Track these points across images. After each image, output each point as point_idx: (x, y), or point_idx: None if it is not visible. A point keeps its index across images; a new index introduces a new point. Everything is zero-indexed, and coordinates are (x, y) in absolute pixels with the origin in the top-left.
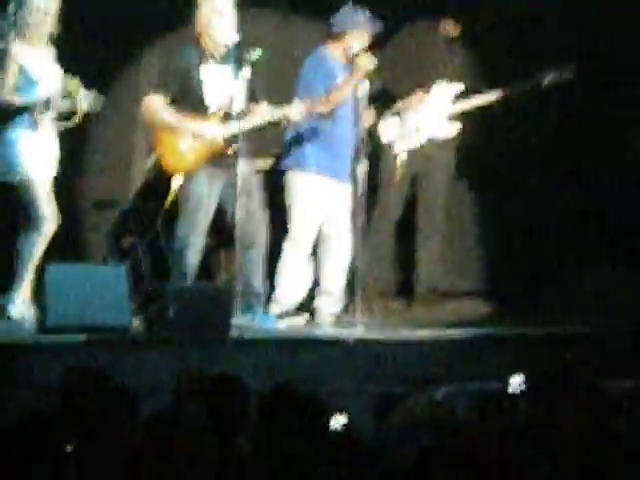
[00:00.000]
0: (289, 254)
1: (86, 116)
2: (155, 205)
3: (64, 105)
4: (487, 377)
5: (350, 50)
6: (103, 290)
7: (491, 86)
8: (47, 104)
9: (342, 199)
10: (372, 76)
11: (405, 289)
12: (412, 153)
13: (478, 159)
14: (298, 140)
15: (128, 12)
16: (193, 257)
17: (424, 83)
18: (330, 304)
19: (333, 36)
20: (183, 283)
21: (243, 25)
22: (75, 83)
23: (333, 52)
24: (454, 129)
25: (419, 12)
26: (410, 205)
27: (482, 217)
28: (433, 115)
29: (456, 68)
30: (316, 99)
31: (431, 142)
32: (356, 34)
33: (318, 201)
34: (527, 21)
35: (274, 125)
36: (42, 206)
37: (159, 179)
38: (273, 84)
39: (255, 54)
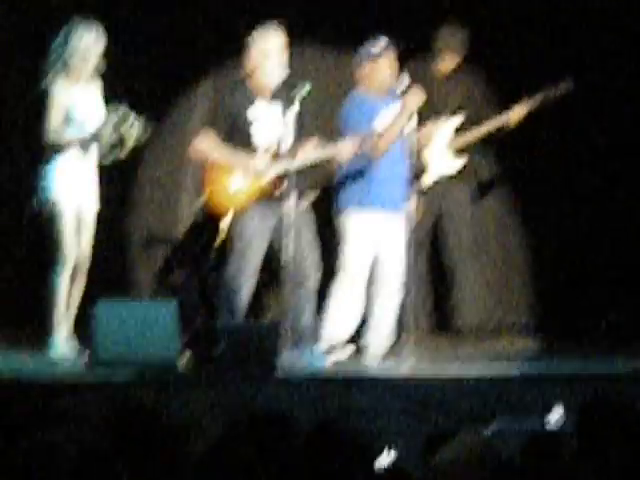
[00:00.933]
0: (340, 291)
1: (136, 153)
2: (205, 242)
3: (112, 137)
4: (536, 414)
5: (379, 82)
6: (152, 326)
7: (492, 114)
8: (95, 137)
9: (394, 234)
10: None
11: (452, 325)
12: (430, 193)
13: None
14: (348, 178)
15: (178, 51)
16: (243, 295)
17: (427, 120)
18: (379, 341)
19: (360, 72)
20: (232, 321)
21: (291, 61)
22: (124, 112)
23: (366, 90)
24: (458, 163)
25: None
26: (442, 242)
27: (527, 250)
28: (440, 151)
29: (455, 102)
30: (365, 137)
31: (445, 178)
32: (377, 65)
33: (370, 239)
34: (518, 42)
35: (323, 163)
36: (68, 240)
37: (209, 217)
38: (322, 120)
39: (303, 89)
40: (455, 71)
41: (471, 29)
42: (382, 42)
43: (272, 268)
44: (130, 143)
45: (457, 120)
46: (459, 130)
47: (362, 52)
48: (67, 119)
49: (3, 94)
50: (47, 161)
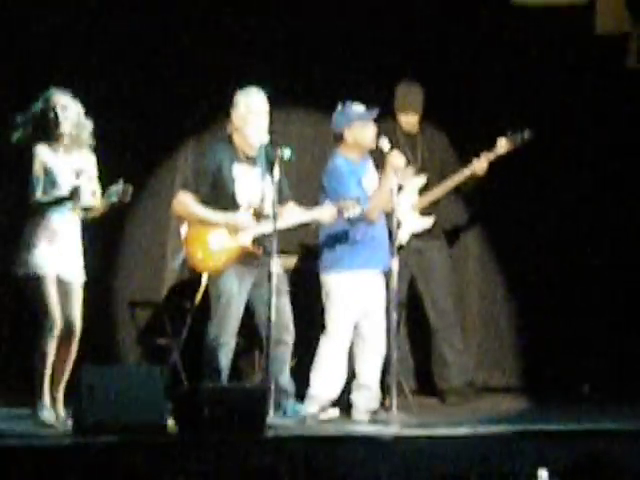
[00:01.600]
0: (325, 351)
1: (120, 214)
2: (187, 304)
3: (89, 200)
4: (525, 473)
5: (365, 145)
6: (138, 390)
7: (456, 170)
8: (73, 195)
9: (377, 294)
10: None
11: (436, 386)
12: (402, 252)
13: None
14: (330, 240)
15: (161, 113)
16: (225, 356)
17: None
18: (367, 399)
19: (338, 138)
20: (217, 383)
21: (273, 124)
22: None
23: (347, 153)
24: (428, 222)
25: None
26: (418, 304)
27: (513, 310)
28: (407, 210)
29: (417, 161)
30: (345, 200)
31: (416, 237)
32: (357, 128)
33: (354, 300)
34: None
35: (304, 226)
36: (53, 307)
37: (190, 278)
38: (301, 183)
39: (286, 153)
40: (416, 131)
41: (426, 86)
42: (361, 107)
43: (250, 328)
44: (105, 205)
45: (421, 180)
46: (424, 189)
47: (347, 115)
48: (48, 180)
49: None
50: (29, 226)
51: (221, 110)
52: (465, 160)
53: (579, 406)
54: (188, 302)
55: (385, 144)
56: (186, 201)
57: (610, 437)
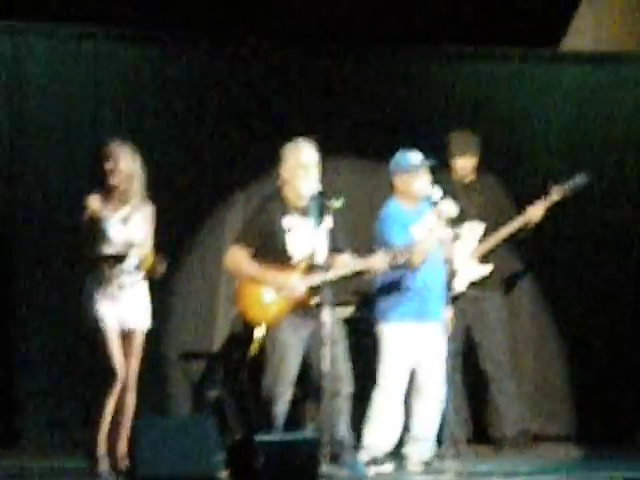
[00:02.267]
0: (379, 402)
1: (171, 266)
2: (240, 355)
3: (133, 263)
4: None
5: (416, 194)
6: (192, 441)
7: (511, 217)
8: (119, 260)
9: (432, 345)
10: None
11: (491, 435)
12: (460, 302)
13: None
14: (384, 291)
15: (212, 165)
16: (280, 407)
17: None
18: (421, 451)
19: (395, 184)
20: (271, 433)
21: (323, 175)
22: (149, 254)
23: (401, 201)
24: (486, 269)
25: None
26: (473, 353)
27: (568, 358)
28: (465, 259)
29: (474, 209)
30: (398, 248)
31: (473, 286)
32: (408, 176)
33: (406, 351)
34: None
35: (357, 275)
36: (112, 358)
37: (244, 330)
38: (354, 233)
39: (337, 203)
40: (472, 179)
41: (482, 134)
42: (419, 155)
43: (308, 379)
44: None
45: (479, 227)
46: (482, 236)
47: (399, 164)
48: (101, 238)
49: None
50: (89, 276)
51: (269, 163)
52: (521, 208)
53: (633, 455)
54: (240, 354)
55: (436, 193)
56: (238, 257)
57: None
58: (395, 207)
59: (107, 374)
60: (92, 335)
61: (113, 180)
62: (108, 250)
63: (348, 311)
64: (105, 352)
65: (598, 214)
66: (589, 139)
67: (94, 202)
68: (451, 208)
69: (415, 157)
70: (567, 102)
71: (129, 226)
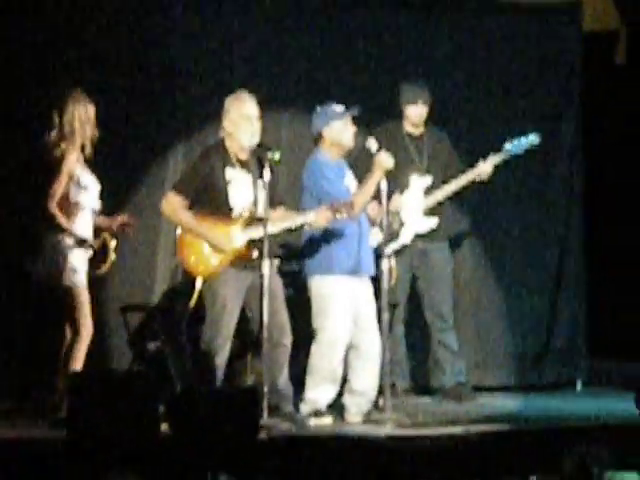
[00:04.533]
0: (317, 355)
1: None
2: (180, 307)
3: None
4: (520, 473)
5: (345, 143)
6: (131, 396)
7: (461, 172)
8: (82, 243)
9: (369, 298)
10: None
11: (432, 385)
12: (406, 252)
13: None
14: (318, 243)
15: (152, 115)
16: (220, 359)
17: (398, 181)
18: (360, 403)
19: (319, 139)
20: (212, 386)
21: (264, 128)
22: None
23: (328, 154)
24: (433, 222)
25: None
26: (417, 304)
27: (505, 309)
28: (412, 210)
29: (423, 162)
30: (338, 202)
31: (420, 237)
32: (336, 128)
33: (344, 303)
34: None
35: (296, 229)
36: (85, 312)
37: (183, 281)
38: (292, 186)
39: (275, 155)
40: (421, 132)
41: (432, 87)
42: (340, 106)
43: (246, 331)
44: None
45: (427, 180)
46: (429, 189)
47: (327, 114)
48: (74, 187)
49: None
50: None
51: (211, 113)
52: (469, 164)
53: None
54: (181, 306)
55: (373, 144)
56: (174, 204)
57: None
58: (325, 159)
59: (80, 327)
60: (65, 290)
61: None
62: (84, 199)
63: (275, 263)
64: (80, 306)
65: (536, 170)
66: (529, 93)
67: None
68: (388, 159)
69: (339, 107)
70: (506, 54)
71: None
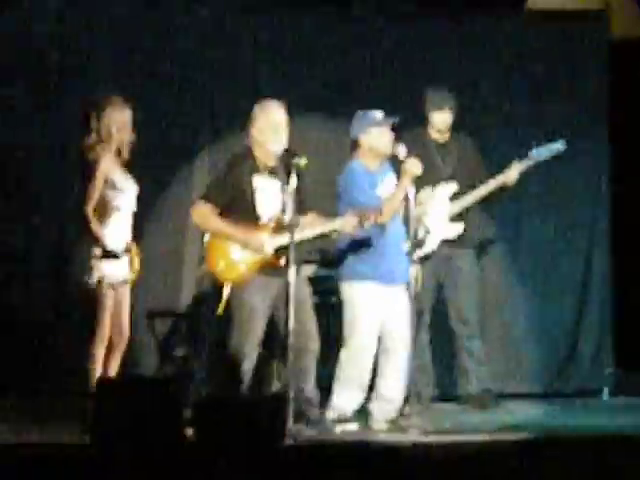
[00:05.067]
0: (346, 362)
1: (136, 223)
2: (207, 314)
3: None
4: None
5: (382, 150)
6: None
7: (486, 178)
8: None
9: (398, 305)
10: None
11: (457, 392)
12: (432, 259)
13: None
14: (350, 250)
15: (179, 120)
16: (247, 366)
17: (425, 187)
18: (386, 410)
19: (355, 145)
20: (238, 392)
21: (291, 135)
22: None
23: (363, 160)
24: (459, 228)
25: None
26: (443, 311)
27: (531, 317)
28: (439, 217)
29: (449, 168)
30: (366, 210)
31: (446, 244)
32: (373, 135)
33: (374, 311)
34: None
35: (325, 236)
36: (104, 315)
37: (212, 287)
38: (320, 192)
39: (302, 161)
40: (447, 139)
41: (458, 93)
42: (380, 113)
43: (275, 338)
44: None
45: (452, 186)
46: (455, 196)
47: (364, 121)
48: (110, 190)
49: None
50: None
51: (236, 120)
52: (496, 171)
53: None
54: (208, 312)
55: (402, 151)
56: (205, 212)
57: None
58: (360, 167)
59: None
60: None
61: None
62: (121, 202)
63: (310, 270)
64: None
65: (563, 177)
66: (556, 100)
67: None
68: (417, 166)
69: (378, 114)
70: (533, 61)
71: (128, 176)
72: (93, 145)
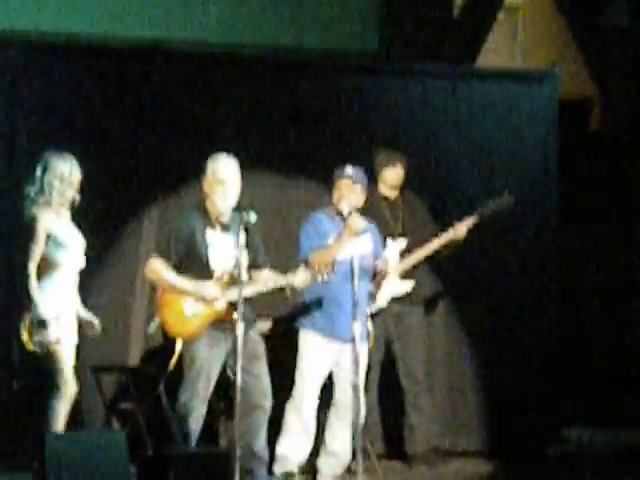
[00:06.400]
0: (292, 414)
1: (83, 278)
2: (155, 369)
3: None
4: None
5: (339, 206)
6: (103, 457)
7: (436, 234)
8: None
9: (347, 361)
10: None
11: (405, 449)
12: (381, 316)
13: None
14: (306, 303)
15: (129, 176)
16: (195, 422)
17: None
18: (333, 465)
19: (334, 190)
20: (185, 448)
21: (244, 189)
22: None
23: (329, 212)
24: (409, 285)
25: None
26: (392, 367)
27: (478, 373)
28: (389, 273)
29: (399, 226)
30: (321, 265)
31: (395, 300)
32: (342, 184)
33: (317, 362)
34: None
35: (278, 290)
36: (68, 371)
37: (161, 342)
38: (273, 248)
39: (252, 217)
40: (396, 195)
41: (406, 151)
42: (344, 169)
43: (227, 394)
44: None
45: (402, 243)
46: (404, 252)
47: (342, 171)
48: (52, 246)
49: None
50: (41, 289)
51: (189, 173)
52: (445, 226)
53: (545, 469)
54: (157, 367)
55: (344, 207)
56: (158, 267)
57: None
58: (319, 218)
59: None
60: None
61: (55, 186)
62: (62, 258)
63: (267, 326)
64: (59, 367)
65: (511, 233)
66: (504, 157)
67: (44, 213)
68: (359, 222)
69: (349, 168)
70: (483, 119)
71: (73, 231)
72: (34, 198)
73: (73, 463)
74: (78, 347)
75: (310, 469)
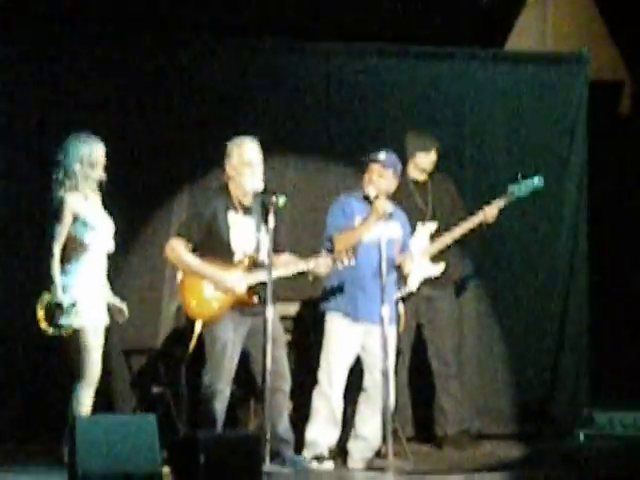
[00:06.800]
0: (319, 400)
1: (115, 261)
2: (181, 352)
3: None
4: None
5: (367, 189)
6: (133, 440)
7: (466, 216)
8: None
9: (376, 344)
10: None
11: (435, 432)
12: (412, 299)
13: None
14: (331, 285)
15: (158, 159)
16: (220, 404)
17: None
18: (363, 449)
19: (368, 175)
20: (213, 431)
21: (268, 173)
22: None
23: (357, 195)
24: (440, 268)
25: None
26: (422, 351)
27: (508, 356)
28: (418, 257)
29: (429, 209)
30: (342, 252)
31: (426, 284)
32: (373, 169)
33: (348, 344)
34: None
35: (300, 275)
36: (91, 356)
37: (185, 325)
38: (297, 233)
39: (280, 201)
40: (426, 178)
41: (437, 133)
42: (380, 154)
43: (247, 377)
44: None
45: (432, 226)
46: (435, 235)
47: (376, 155)
48: (80, 227)
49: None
50: (67, 272)
51: (216, 158)
52: (475, 208)
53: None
54: (181, 350)
55: (371, 190)
56: (178, 248)
57: None
58: (347, 200)
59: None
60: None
61: (78, 168)
62: (90, 240)
63: (290, 309)
64: (85, 351)
65: (542, 216)
66: (534, 140)
67: (70, 195)
68: (386, 205)
69: (382, 153)
70: (513, 102)
71: (100, 213)
72: (61, 181)
73: (103, 447)
74: (108, 330)
75: (340, 452)
